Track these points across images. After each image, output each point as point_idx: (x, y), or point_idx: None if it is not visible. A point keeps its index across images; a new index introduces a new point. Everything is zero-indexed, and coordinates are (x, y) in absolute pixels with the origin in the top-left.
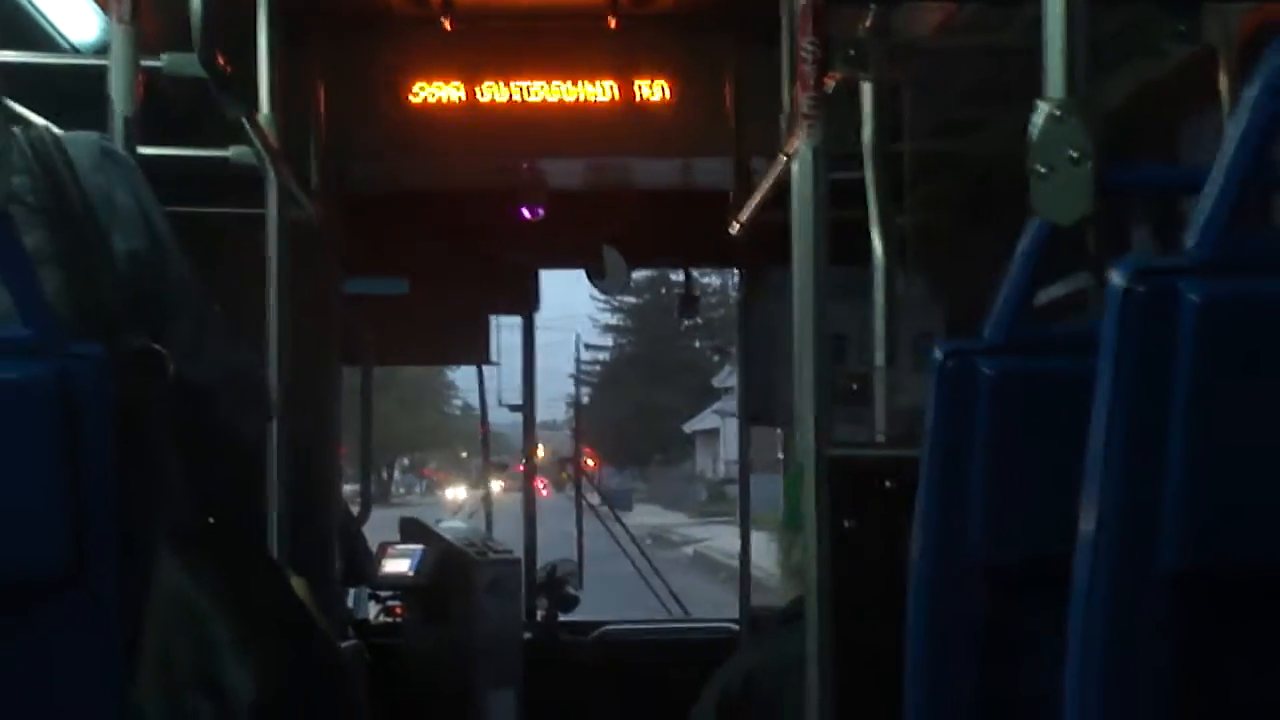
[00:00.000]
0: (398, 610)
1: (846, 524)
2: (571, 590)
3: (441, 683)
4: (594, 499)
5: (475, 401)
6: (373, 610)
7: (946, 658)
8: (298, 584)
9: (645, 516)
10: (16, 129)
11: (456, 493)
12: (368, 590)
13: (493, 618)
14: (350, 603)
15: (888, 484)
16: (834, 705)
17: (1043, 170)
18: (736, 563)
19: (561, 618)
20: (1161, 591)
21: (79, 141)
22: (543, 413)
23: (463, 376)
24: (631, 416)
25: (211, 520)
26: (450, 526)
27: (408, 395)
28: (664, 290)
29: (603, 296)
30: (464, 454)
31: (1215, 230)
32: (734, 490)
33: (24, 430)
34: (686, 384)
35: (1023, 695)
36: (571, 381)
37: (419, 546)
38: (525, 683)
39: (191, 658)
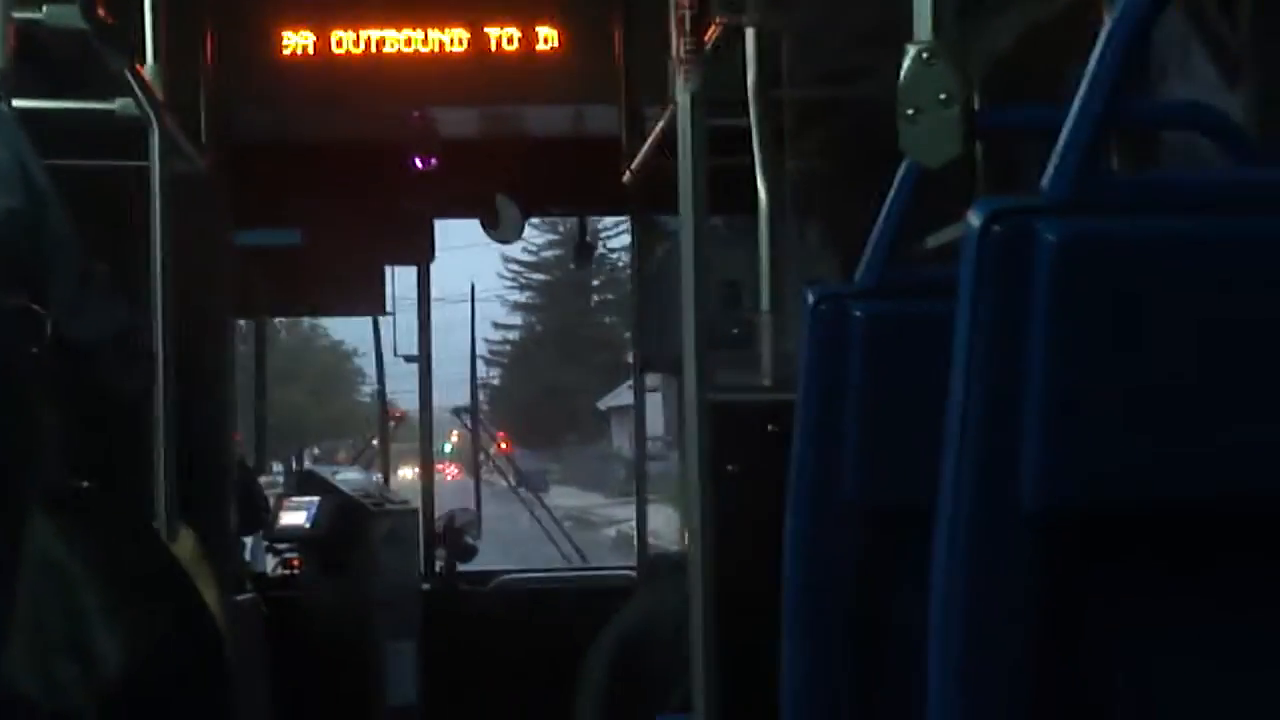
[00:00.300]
0: (295, 563)
1: (730, 468)
2: (470, 540)
3: (341, 635)
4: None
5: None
6: (270, 563)
7: (822, 598)
8: (186, 536)
9: (563, 498)
10: None
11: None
12: (265, 543)
13: (391, 569)
14: (248, 556)
15: (770, 428)
16: (718, 644)
17: (911, 113)
18: (662, 544)
19: (460, 568)
20: (1021, 531)
21: None
22: (450, 396)
23: (370, 363)
24: (543, 396)
25: (86, 484)
26: (347, 478)
27: (318, 386)
28: (573, 266)
29: (509, 275)
30: (375, 441)
31: (1071, 169)
32: (653, 468)
33: None
34: (599, 361)
35: (895, 639)
36: (481, 367)
37: (316, 498)
38: (425, 633)
39: (62, 624)
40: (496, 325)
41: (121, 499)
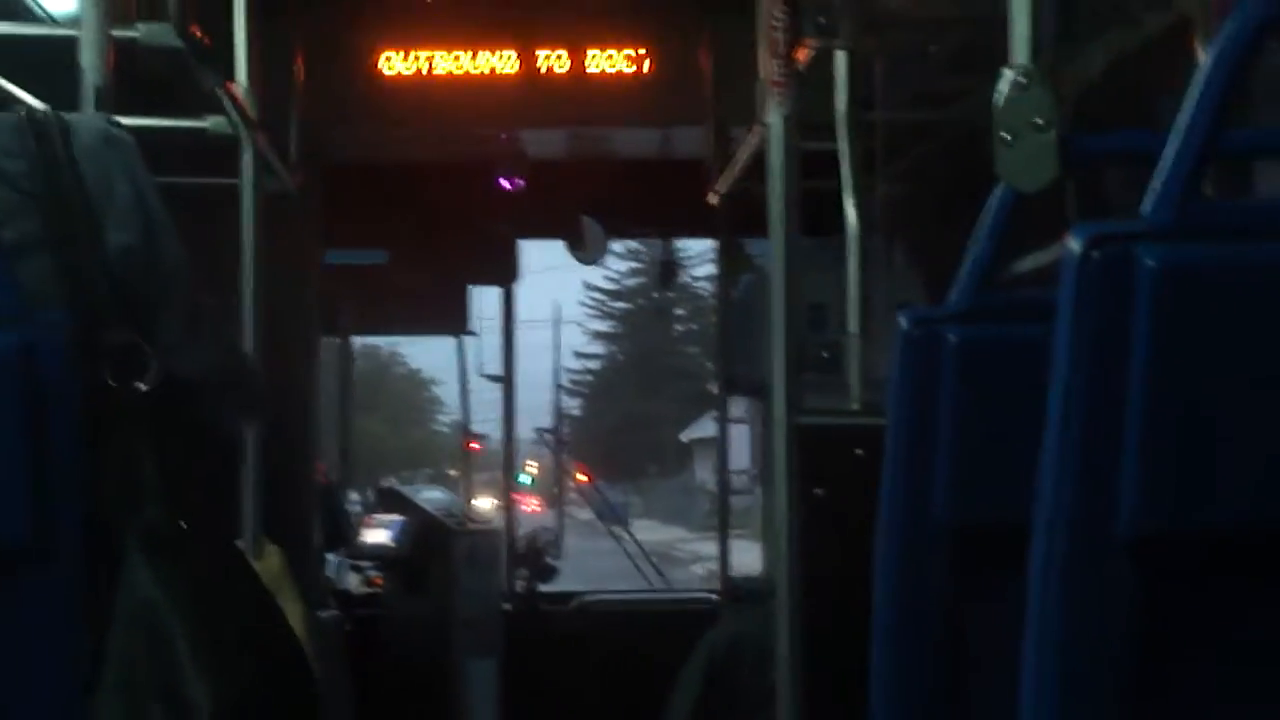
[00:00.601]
0: (377, 580)
1: (817, 491)
2: (550, 560)
3: (421, 652)
4: (587, 515)
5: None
6: (353, 580)
7: (913, 622)
8: (273, 552)
9: (644, 532)
10: (21, 112)
11: None
12: (348, 561)
13: (472, 588)
14: (331, 573)
15: (858, 451)
16: (806, 668)
17: (1007, 138)
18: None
19: (541, 588)
20: (1118, 557)
21: (83, 125)
22: (530, 423)
23: (449, 392)
24: (624, 427)
25: (185, 524)
26: (430, 497)
27: (395, 414)
28: (655, 294)
29: (591, 303)
30: (451, 472)
31: (1172, 196)
32: (740, 503)
33: None
34: (681, 392)
35: (987, 660)
36: (561, 397)
37: (399, 517)
38: (505, 652)
39: (154, 671)
40: (577, 354)
41: (218, 538)
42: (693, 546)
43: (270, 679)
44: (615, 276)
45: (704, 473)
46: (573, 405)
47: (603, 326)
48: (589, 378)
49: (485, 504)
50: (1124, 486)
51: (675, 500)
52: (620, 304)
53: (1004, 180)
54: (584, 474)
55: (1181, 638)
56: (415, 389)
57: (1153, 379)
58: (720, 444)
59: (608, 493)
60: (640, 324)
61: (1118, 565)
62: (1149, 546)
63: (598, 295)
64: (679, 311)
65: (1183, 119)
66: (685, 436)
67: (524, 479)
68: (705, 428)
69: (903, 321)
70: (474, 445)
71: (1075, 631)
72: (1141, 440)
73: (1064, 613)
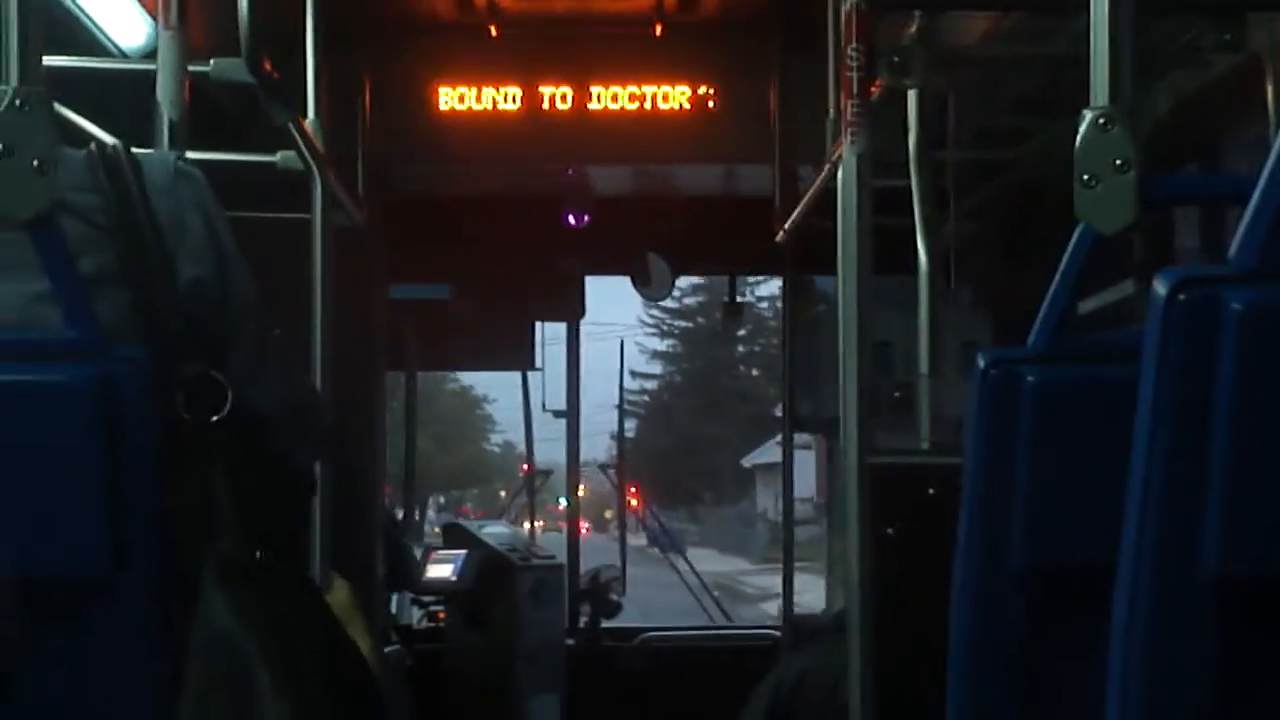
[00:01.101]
0: (440, 615)
1: (889, 531)
2: (614, 596)
3: (484, 688)
4: (640, 541)
5: (515, 438)
6: (416, 615)
7: (989, 665)
8: (340, 587)
9: (703, 563)
10: (91, 146)
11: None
12: (411, 595)
13: (535, 623)
14: (393, 608)
15: (930, 491)
16: (877, 710)
17: (1087, 179)
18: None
19: (604, 624)
20: (1204, 599)
21: (153, 161)
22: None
23: (501, 410)
24: (681, 451)
25: (259, 555)
26: (493, 532)
27: (444, 431)
28: (717, 314)
29: (650, 321)
30: (503, 493)
31: (1259, 239)
32: (804, 533)
33: (66, 432)
34: (743, 415)
35: (1065, 703)
36: (616, 415)
37: (462, 552)
38: (568, 689)
39: (230, 697)
40: (634, 374)
41: (291, 569)
42: (757, 580)
43: (345, 709)
44: (676, 294)
45: (766, 500)
46: (628, 428)
47: (661, 345)
48: (645, 398)
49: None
50: (1208, 528)
51: (734, 529)
52: (680, 322)
53: (1084, 221)
54: (636, 499)
55: (1264, 681)
56: (466, 407)
57: (1238, 421)
58: (785, 477)
59: (661, 518)
60: (701, 343)
61: (1201, 607)
62: (1233, 588)
63: (657, 314)
64: (741, 332)
65: (1271, 160)
66: (748, 462)
67: (570, 502)
68: (768, 453)
69: (981, 362)
70: (527, 467)
71: (1158, 673)
72: (1226, 482)
73: (1147, 654)
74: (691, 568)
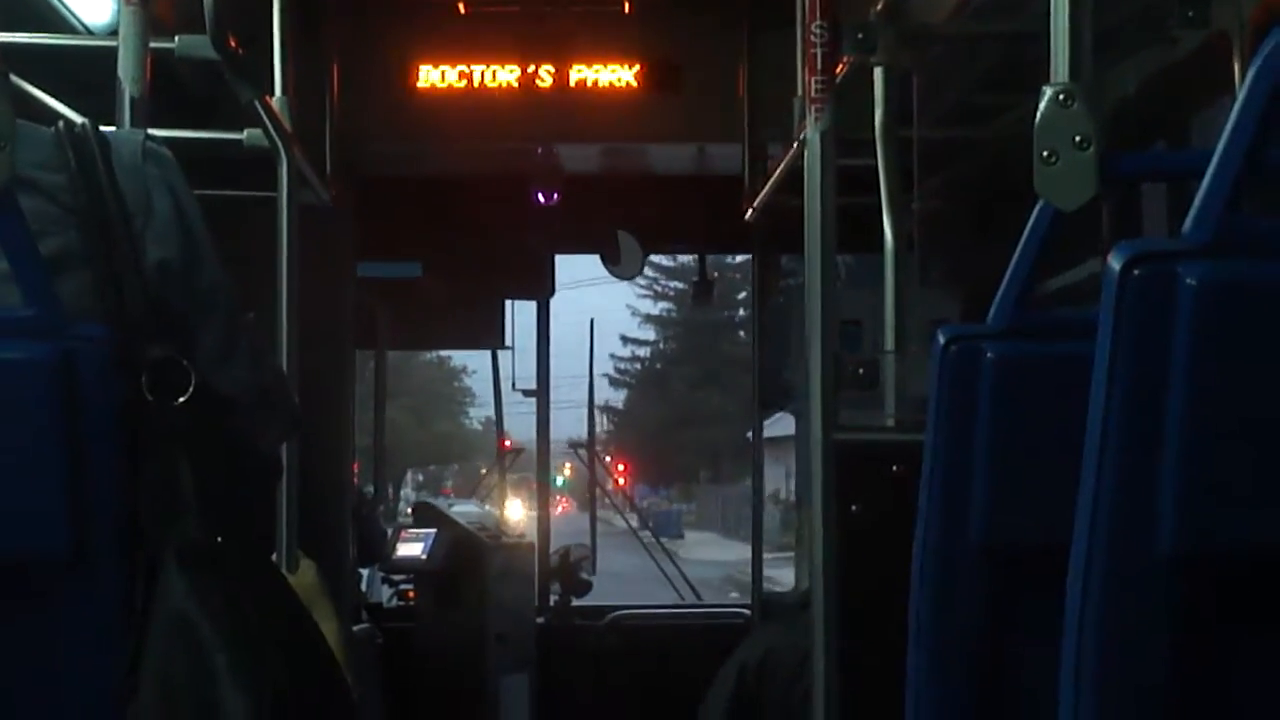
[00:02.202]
0: (411, 594)
1: (854, 507)
2: (584, 575)
3: (455, 666)
4: (631, 521)
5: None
6: (386, 594)
7: (949, 642)
8: (307, 568)
9: (701, 549)
10: (59, 125)
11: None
12: (381, 574)
13: (505, 602)
14: (364, 586)
15: (894, 468)
16: (841, 684)
17: (1047, 155)
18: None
19: (574, 602)
20: (1158, 575)
21: (122, 140)
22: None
23: (482, 382)
24: (676, 424)
25: (220, 539)
26: (463, 511)
27: (420, 404)
28: (715, 274)
29: (642, 282)
30: (483, 470)
31: (1213, 213)
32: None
33: (23, 410)
34: (741, 384)
35: (1025, 680)
36: (605, 388)
37: (432, 530)
38: (538, 667)
39: (190, 684)
40: (625, 339)
41: (253, 552)
42: (774, 574)
43: (306, 690)
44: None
45: (777, 478)
46: (617, 399)
47: (654, 308)
48: (636, 366)
49: (517, 506)
50: (1163, 504)
51: (736, 510)
52: (675, 283)
53: (1043, 198)
54: (622, 476)
55: (1221, 656)
56: (444, 378)
57: (1193, 396)
58: (755, 456)
59: (651, 499)
60: (697, 306)
61: (1157, 583)
62: (1188, 564)
63: (650, 274)
64: (742, 294)
65: (1224, 135)
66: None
67: (559, 480)
68: (778, 425)
69: (940, 338)
70: (507, 444)
71: (1111, 652)
72: (1181, 457)
73: (1100, 632)
74: (671, 557)
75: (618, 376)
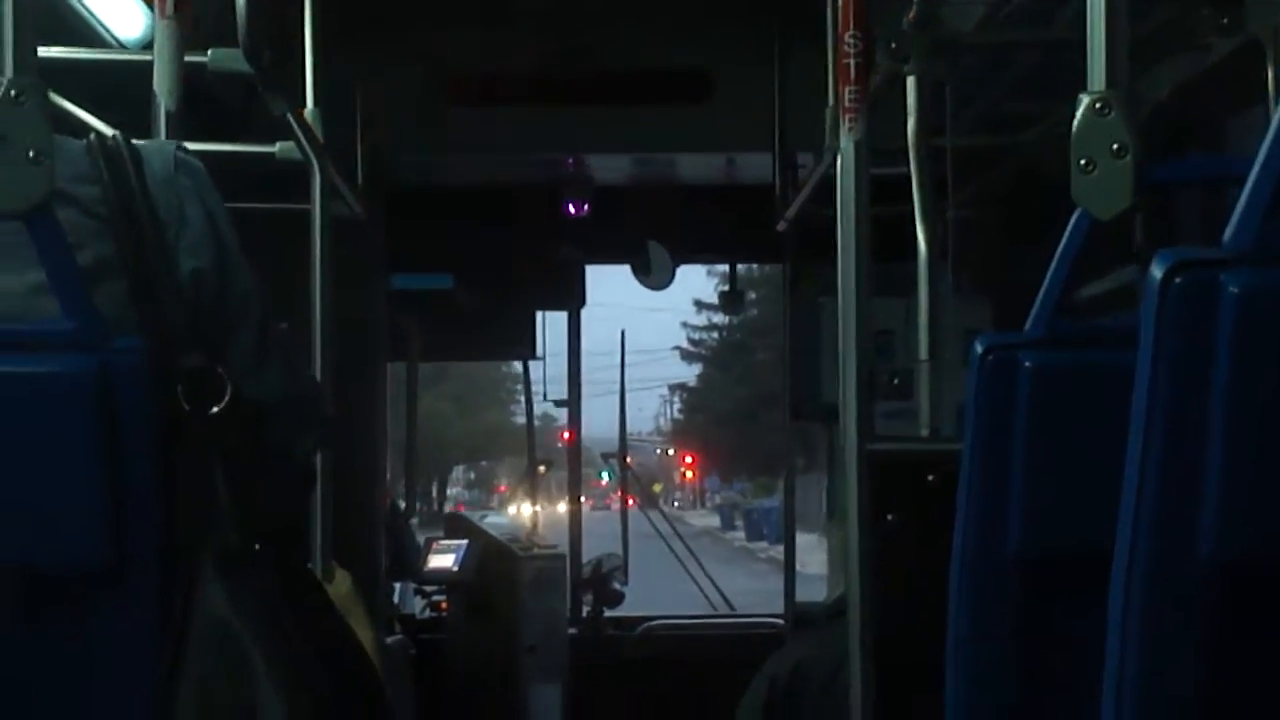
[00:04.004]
0: (443, 605)
1: (889, 517)
2: (617, 586)
3: (487, 678)
4: (708, 520)
5: (547, 406)
6: (418, 605)
7: (987, 649)
8: (342, 578)
9: (811, 556)
10: (91, 137)
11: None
12: (413, 585)
13: (537, 613)
14: (396, 598)
15: (930, 478)
16: (877, 697)
17: (1084, 163)
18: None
19: (606, 613)
20: (1199, 583)
21: (153, 151)
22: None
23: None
24: (760, 404)
25: (258, 546)
26: (495, 522)
27: (464, 391)
28: (725, 314)
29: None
30: (541, 467)
31: (1254, 221)
32: None
33: (64, 422)
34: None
35: (1063, 685)
36: (665, 389)
37: (464, 542)
38: (571, 678)
39: (229, 688)
40: (700, 305)
41: (291, 560)
42: None
43: (345, 698)
44: None
45: None
46: (690, 376)
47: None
48: (714, 336)
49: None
50: (1205, 512)
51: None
52: None
53: (1081, 206)
54: (691, 469)
55: (1259, 665)
56: (491, 363)
57: (1235, 403)
58: (789, 466)
59: (723, 493)
60: (729, 313)
61: (1197, 593)
62: (1229, 575)
63: None
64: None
65: (1266, 142)
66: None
67: (608, 475)
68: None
69: (978, 347)
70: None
71: (1153, 657)
72: (1222, 467)
73: (1142, 638)
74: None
75: (691, 349)
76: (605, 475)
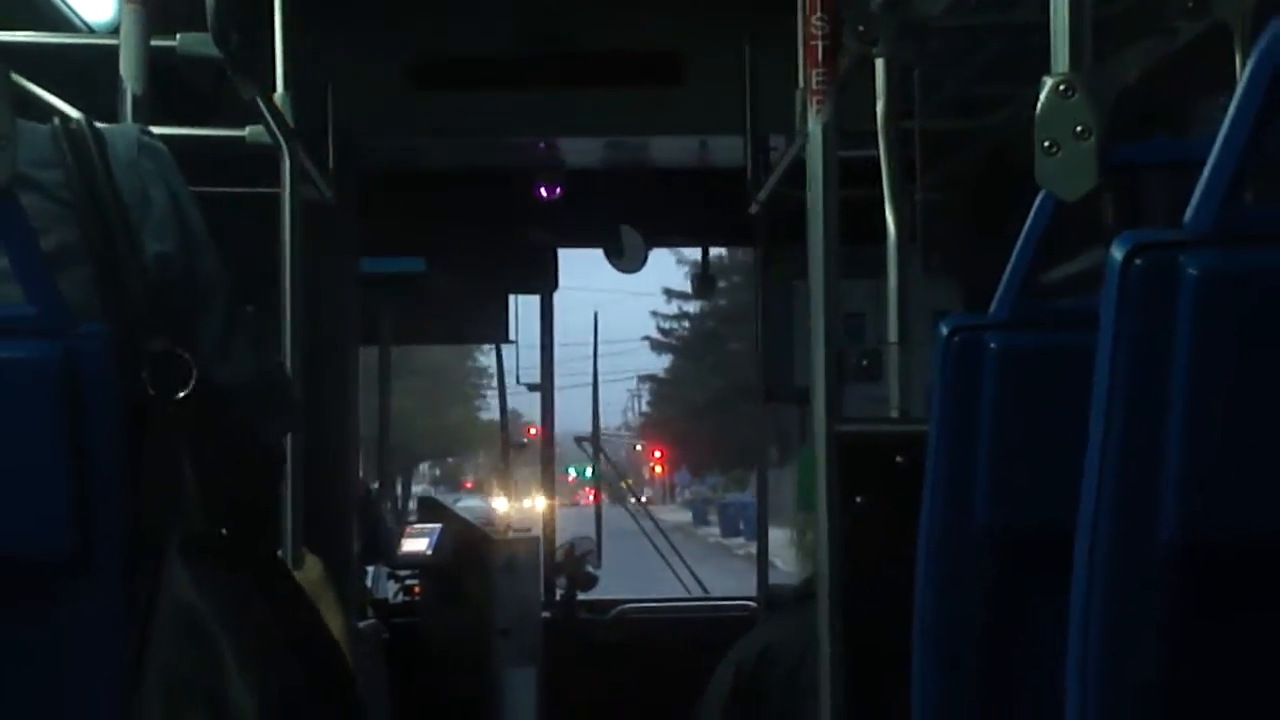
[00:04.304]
0: (416, 589)
1: (858, 499)
2: (590, 569)
3: (461, 661)
4: (680, 516)
5: (519, 401)
6: (391, 589)
7: (953, 630)
8: (313, 563)
9: (784, 549)
10: (55, 121)
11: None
12: (386, 569)
13: (511, 596)
14: (369, 582)
15: (898, 459)
16: (846, 679)
17: (1048, 145)
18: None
19: (580, 596)
20: (1160, 566)
21: (117, 134)
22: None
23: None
24: (731, 394)
25: (224, 531)
26: (468, 505)
27: (430, 387)
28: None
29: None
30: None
31: (1214, 202)
32: None
33: (27, 409)
34: None
35: (1032, 669)
36: (633, 382)
37: (437, 525)
38: (545, 662)
39: (196, 673)
40: (670, 293)
41: (258, 545)
42: None
43: (313, 684)
44: None
45: None
46: (659, 367)
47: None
48: (684, 326)
49: (536, 505)
50: (1166, 494)
51: None
52: None
53: (1045, 188)
54: (659, 463)
55: (1225, 645)
56: (455, 359)
57: (1195, 386)
58: (762, 452)
59: (693, 488)
60: (701, 298)
61: (1158, 573)
62: (1192, 555)
63: None
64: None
65: (1225, 125)
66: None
67: (587, 470)
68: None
69: (943, 329)
70: (532, 431)
71: (1116, 640)
72: (1184, 448)
73: (1105, 620)
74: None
75: (661, 339)
76: (573, 471)
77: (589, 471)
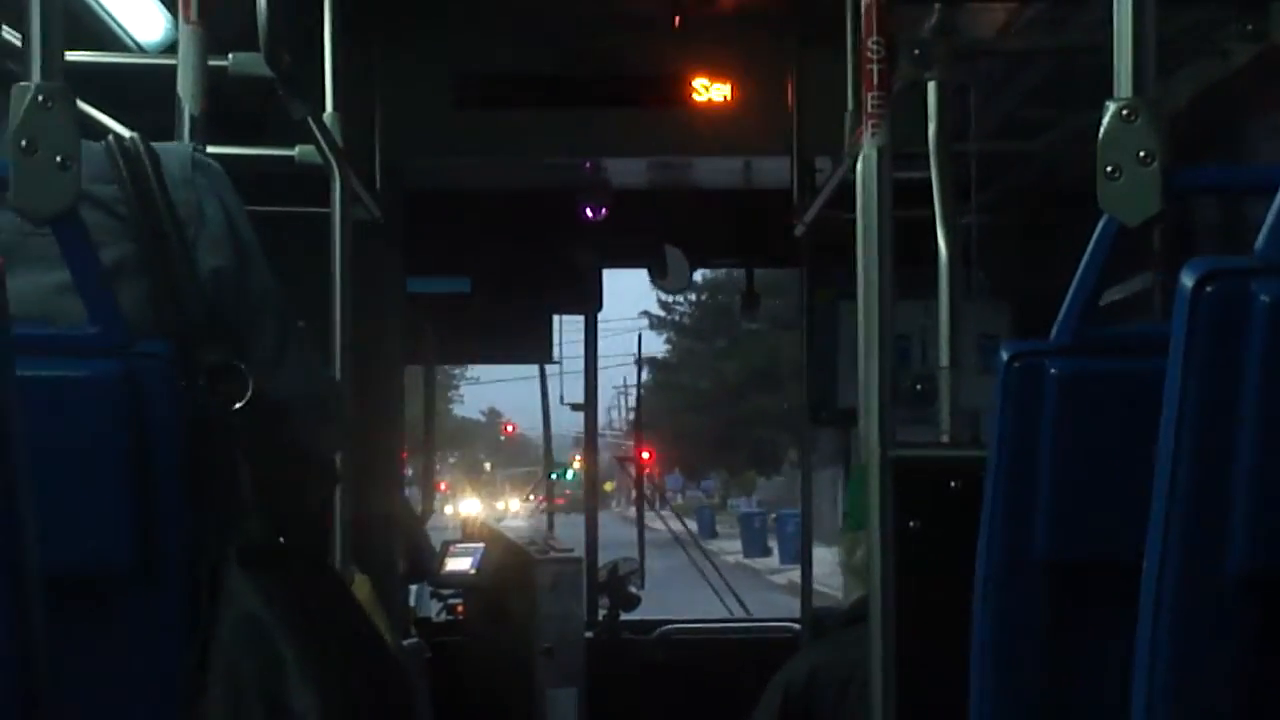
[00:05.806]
0: (459, 608)
1: (911, 524)
2: (633, 589)
3: (503, 681)
4: (678, 525)
5: (497, 399)
6: (434, 608)
7: (1011, 659)
8: (362, 582)
9: (831, 574)
10: (109, 139)
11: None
12: (430, 588)
13: (554, 616)
14: (412, 601)
15: (952, 484)
16: (897, 705)
17: (1110, 170)
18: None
19: (623, 616)
20: (1230, 594)
21: (170, 152)
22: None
23: (469, 368)
24: (744, 385)
25: (282, 540)
26: (512, 525)
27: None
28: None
29: None
30: (487, 465)
31: None
32: None
33: (91, 427)
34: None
35: (1088, 697)
36: (624, 375)
37: (480, 545)
38: (587, 681)
39: (258, 679)
40: (649, 316)
41: (314, 554)
42: None
43: (372, 692)
44: None
45: None
46: (661, 349)
47: None
48: (689, 300)
49: (473, 507)
50: (1235, 526)
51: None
52: None
53: (1108, 213)
54: (650, 464)
55: None
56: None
57: (1266, 414)
58: (804, 469)
59: (693, 493)
60: (745, 318)
61: (1228, 603)
62: (1260, 584)
63: None
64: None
65: None
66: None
67: (569, 474)
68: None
69: (1004, 354)
70: (510, 429)
71: (1184, 671)
72: (1253, 479)
73: (1173, 653)
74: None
75: (661, 314)
76: (554, 475)
77: (570, 475)
